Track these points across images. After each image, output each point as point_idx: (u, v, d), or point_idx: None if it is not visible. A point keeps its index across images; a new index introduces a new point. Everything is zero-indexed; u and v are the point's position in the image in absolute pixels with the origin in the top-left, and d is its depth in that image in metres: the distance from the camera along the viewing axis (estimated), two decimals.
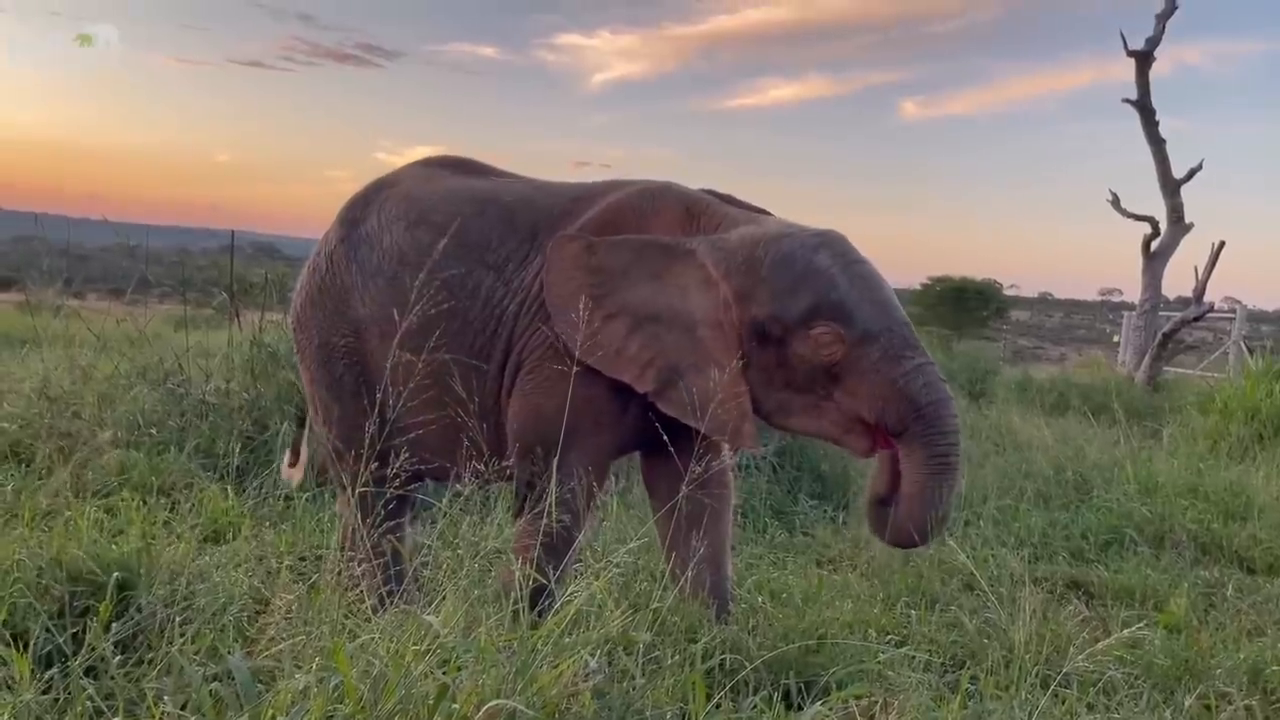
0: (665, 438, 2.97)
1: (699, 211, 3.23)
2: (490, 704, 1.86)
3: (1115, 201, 14.33)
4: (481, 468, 2.83)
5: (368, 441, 2.80)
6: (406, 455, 2.92)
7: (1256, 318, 23.34)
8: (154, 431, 4.98)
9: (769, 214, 3.30)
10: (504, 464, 2.98)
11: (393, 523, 3.32)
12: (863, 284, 2.96)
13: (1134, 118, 13.93)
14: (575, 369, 2.95)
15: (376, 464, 2.87)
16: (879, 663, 3.02)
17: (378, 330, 3.32)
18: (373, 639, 2.15)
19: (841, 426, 3.00)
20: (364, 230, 3.45)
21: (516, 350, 3.18)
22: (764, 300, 2.96)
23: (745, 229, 3.11)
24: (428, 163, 3.73)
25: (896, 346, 2.88)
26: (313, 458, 3.92)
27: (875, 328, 2.89)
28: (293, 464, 3.95)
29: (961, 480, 2.91)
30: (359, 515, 2.92)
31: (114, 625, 2.41)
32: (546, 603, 2.75)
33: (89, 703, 2.13)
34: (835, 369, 2.91)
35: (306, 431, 3.83)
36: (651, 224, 3.19)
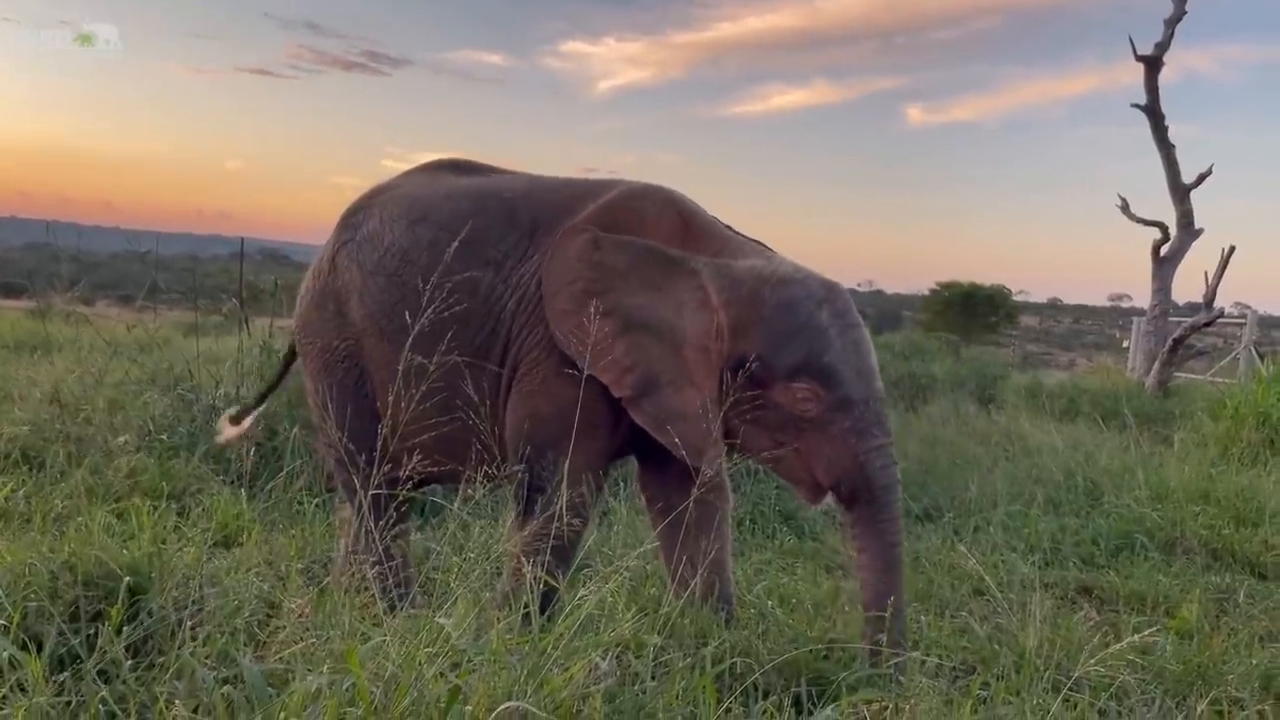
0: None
1: (697, 229, 3.22)
2: (502, 706, 1.86)
3: (1125, 206, 14.28)
4: (489, 470, 2.84)
5: (379, 444, 2.79)
6: (419, 457, 2.92)
7: (1267, 323, 23.22)
8: (164, 437, 5.00)
9: (767, 248, 3.28)
10: (503, 466, 2.98)
11: (400, 527, 3.33)
12: (854, 350, 3.01)
13: (1142, 123, 13.87)
14: (570, 371, 2.95)
15: (388, 466, 2.87)
16: (889, 667, 3.02)
17: (377, 330, 3.33)
18: (384, 641, 2.15)
19: (796, 473, 3.08)
20: (365, 231, 3.45)
21: (514, 349, 3.17)
22: (757, 340, 2.97)
23: (753, 262, 3.10)
24: (430, 166, 3.74)
25: (867, 421, 2.97)
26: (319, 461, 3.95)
27: (854, 397, 2.96)
28: (236, 422, 3.96)
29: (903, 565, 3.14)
30: (372, 518, 2.93)
31: (125, 629, 2.41)
32: (554, 606, 2.75)
33: (101, 706, 2.13)
34: (804, 423, 2.98)
35: (265, 401, 3.93)
36: (648, 227, 3.18)
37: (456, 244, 3.10)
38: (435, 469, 3.11)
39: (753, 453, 3.14)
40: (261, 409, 3.95)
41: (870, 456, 2.95)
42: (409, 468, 2.93)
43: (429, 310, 2.88)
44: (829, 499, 3.07)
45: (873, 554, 3.00)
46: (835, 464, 2.98)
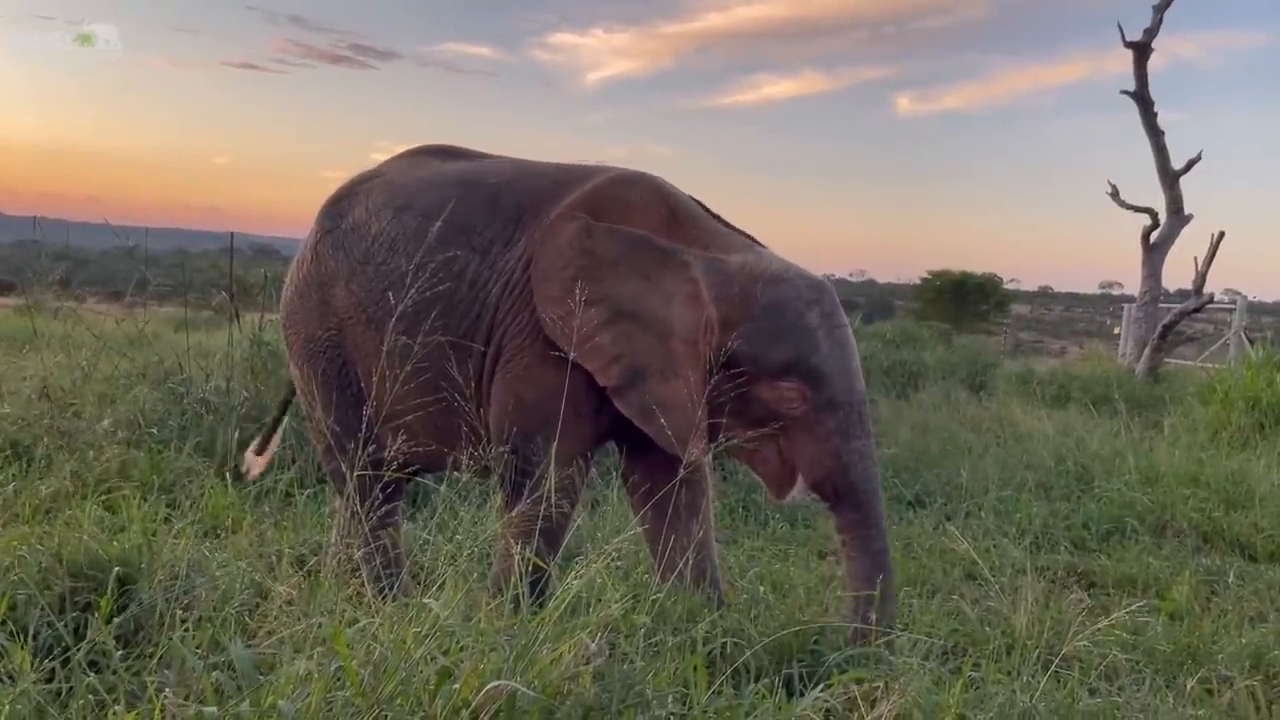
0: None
1: (684, 219, 3.21)
2: (490, 685, 1.86)
3: (1115, 193, 14.30)
4: (474, 453, 2.84)
5: (364, 427, 2.79)
6: (404, 439, 2.93)
7: (1257, 309, 23.31)
8: (154, 430, 4.98)
9: (754, 240, 3.29)
10: (487, 450, 2.99)
11: (388, 507, 3.33)
12: (840, 351, 3.04)
13: (1131, 110, 13.90)
14: (555, 353, 2.95)
15: (372, 448, 2.87)
16: (879, 647, 3.02)
17: (364, 317, 3.32)
18: (373, 623, 2.15)
19: (771, 468, 3.11)
20: (350, 221, 3.44)
21: (498, 335, 3.17)
22: (747, 338, 2.98)
23: (744, 258, 3.10)
24: (412, 152, 3.73)
25: (852, 423, 3.01)
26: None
27: (839, 399, 3.00)
28: (259, 452, 3.95)
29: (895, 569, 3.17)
30: (357, 500, 2.92)
31: (115, 619, 2.41)
32: (545, 590, 2.75)
33: (91, 695, 2.13)
34: (788, 421, 3.01)
35: (281, 425, 3.85)
36: (633, 215, 3.17)
37: (442, 230, 3.10)
38: (420, 449, 3.11)
39: (732, 443, 3.13)
40: (278, 435, 3.94)
41: (853, 458, 3.00)
42: (393, 449, 2.93)
43: (412, 290, 2.88)
44: (796, 492, 3.09)
45: (862, 561, 3.03)
46: (818, 463, 3.01)
